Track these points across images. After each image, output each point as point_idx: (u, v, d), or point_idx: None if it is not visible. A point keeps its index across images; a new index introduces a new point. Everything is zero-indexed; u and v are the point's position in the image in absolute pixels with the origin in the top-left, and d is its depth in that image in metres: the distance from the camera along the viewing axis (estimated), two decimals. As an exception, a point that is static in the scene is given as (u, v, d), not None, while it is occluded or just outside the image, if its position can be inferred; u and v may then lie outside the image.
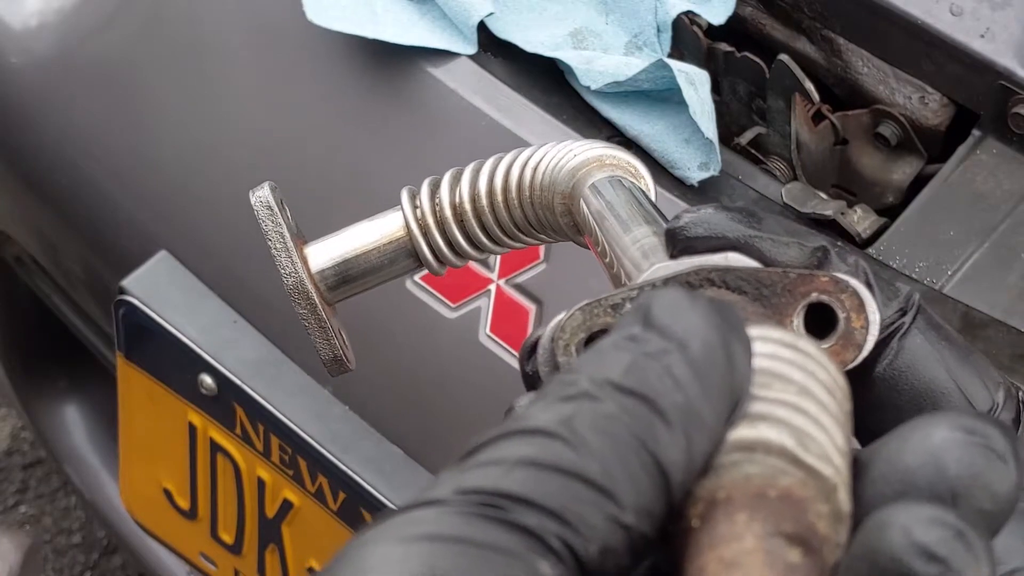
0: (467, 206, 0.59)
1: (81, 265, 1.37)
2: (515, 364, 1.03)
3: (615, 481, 0.31)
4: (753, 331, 0.35)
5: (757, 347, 0.34)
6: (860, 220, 0.96)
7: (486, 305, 1.04)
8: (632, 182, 0.55)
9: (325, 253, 0.59)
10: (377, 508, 1.08)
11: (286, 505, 1.16)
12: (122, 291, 1.18)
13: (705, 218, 0.42)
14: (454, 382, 1.07)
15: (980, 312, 0.91)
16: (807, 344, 0.35)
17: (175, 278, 1.19)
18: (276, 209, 0.58)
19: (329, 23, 1.07)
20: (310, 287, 0.58)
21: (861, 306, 0.39)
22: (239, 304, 1.18)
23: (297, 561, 1.19)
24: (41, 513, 2.03)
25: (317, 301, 0.58)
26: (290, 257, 0.58)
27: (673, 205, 0.98)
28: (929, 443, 0.33)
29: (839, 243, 0.50)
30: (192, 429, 1.21)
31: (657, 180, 1.00)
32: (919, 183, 1.00)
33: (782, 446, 0.33)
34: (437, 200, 0.59)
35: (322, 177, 1.14)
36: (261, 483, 1.17)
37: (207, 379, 1.15)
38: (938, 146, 1.01)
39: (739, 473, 0.32)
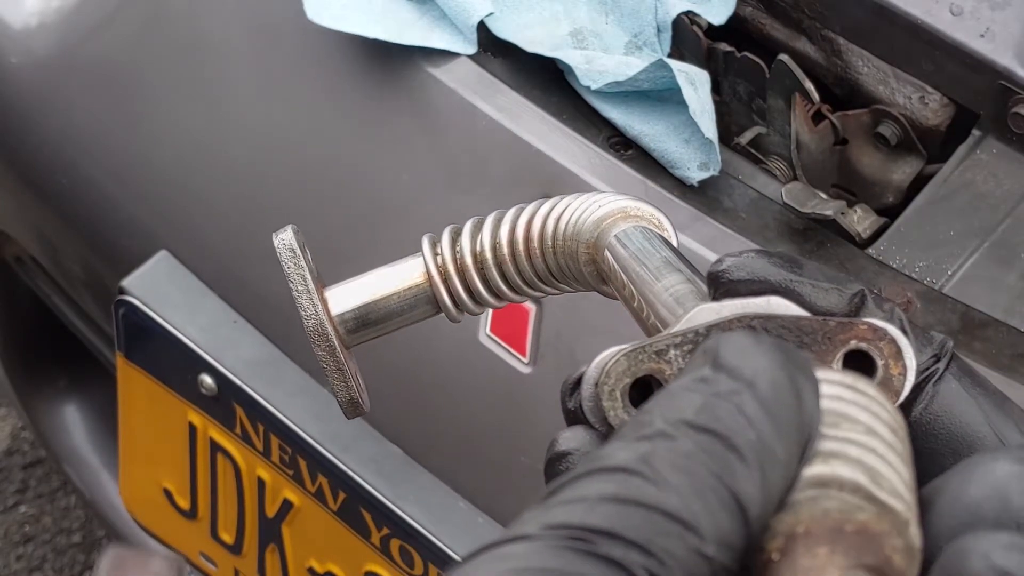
0: (488, 255, 0.59)
1: (81, 265, 1.37)
2: (514, 363, 1.03)
3: (695, 514, 0.32)
4: (817, 373, 0.36)
5: (822, 389, 0.36)
6: (860, 220, 0.96)
7: (486, 305, 1.04)
8: (657, 233, 0.56)
9: (345, 297, 0.60)
10: (377, 508, 1.08)
11: (286, 505, 1.16)
12: (122, 291, 1.18)
13: (747, 263, 0.43)
14: (454, 382, 1.07)
15: (980, 312, 0.91)
16: (867, 386, 0.36)
17: (175, 278, 1.19)
18: (299, 252, 0.58)
19: (329, 22, 1.07)
20: (330, 330, 0.58)
21: (899, 353, 0.41)
22: (239, 304, 1.18)
23: (297, 561, 1.19)
24: (41, 513, 2.03)
25: (336, 344, 0.59)
26: (311, 300, 0.58)
27: (673, 205, 0.98)
28: (992, 477, 0.34)
29: (875, 290, 0.51)
30: (192, 429, 1.21)
31: (657, 180, 1.01)
32: (919, 183, 1.00)
33: (856, 482, 0.34)
34: (458, 248, 0.60)
35: (322, 176, 1.14)
36: (261, 483, 1.17)
37: (207, 379, 1.16)
38: (938, 146, 1.01)
39: (817, 508, 0.34)
